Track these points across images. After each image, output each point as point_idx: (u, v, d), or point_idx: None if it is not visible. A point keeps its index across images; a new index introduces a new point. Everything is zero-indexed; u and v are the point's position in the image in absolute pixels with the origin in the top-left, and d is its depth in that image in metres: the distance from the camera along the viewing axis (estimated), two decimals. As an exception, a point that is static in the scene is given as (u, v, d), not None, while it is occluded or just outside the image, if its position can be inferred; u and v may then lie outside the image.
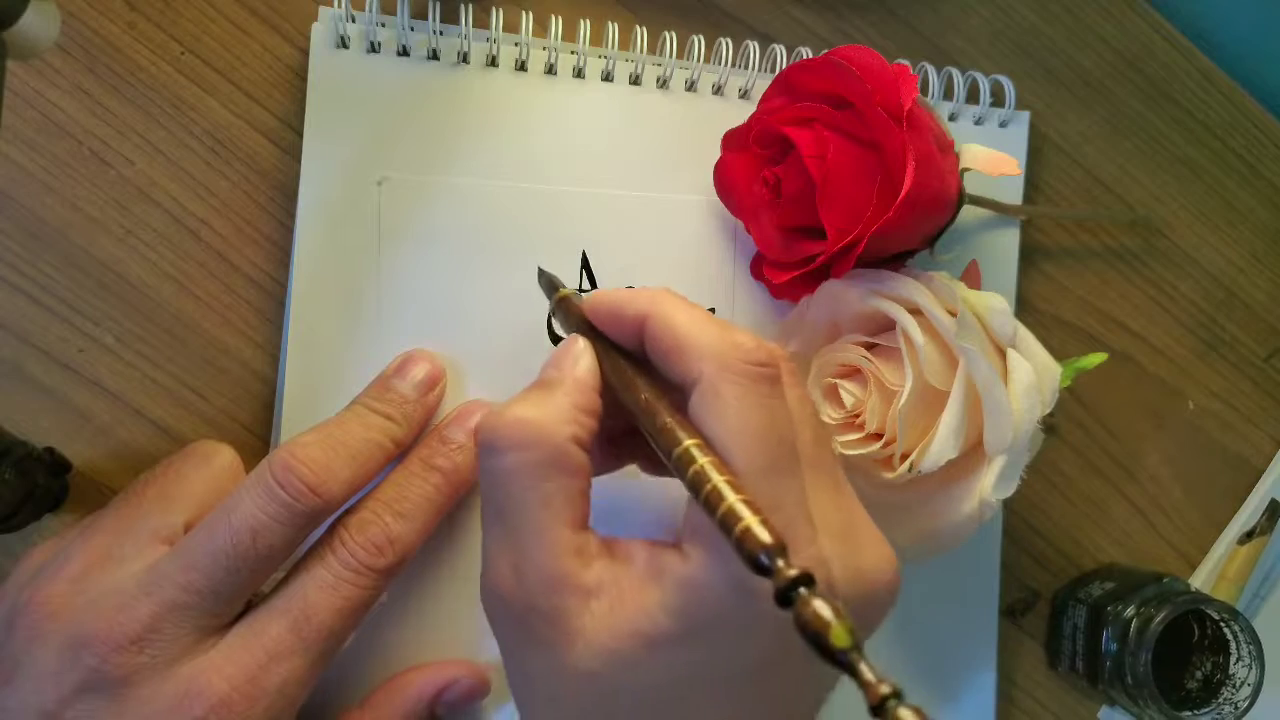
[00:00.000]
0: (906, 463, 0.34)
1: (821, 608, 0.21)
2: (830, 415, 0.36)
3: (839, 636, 0.20)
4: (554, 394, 0.28)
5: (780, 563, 0.22)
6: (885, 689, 0.20)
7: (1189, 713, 0.39)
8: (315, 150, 0.36)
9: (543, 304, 0.37)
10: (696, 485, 0.25)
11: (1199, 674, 0.42)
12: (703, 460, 0.25)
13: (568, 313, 0.32)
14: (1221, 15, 0.47)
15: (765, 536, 0.22)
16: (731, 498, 0.23)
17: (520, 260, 0.37)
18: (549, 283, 0.35)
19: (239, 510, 0.29)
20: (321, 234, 0.36)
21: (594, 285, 0.38)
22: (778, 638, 0.26)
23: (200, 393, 0.36)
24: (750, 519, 0.23)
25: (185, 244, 0.36)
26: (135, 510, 0.32)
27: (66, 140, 0.35)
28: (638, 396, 0.28)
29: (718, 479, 0.24)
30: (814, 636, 0.21)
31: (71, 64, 0.36)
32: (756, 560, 0.22)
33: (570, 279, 0.38)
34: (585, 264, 0.38)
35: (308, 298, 0.36)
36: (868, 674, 0.20)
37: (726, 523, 0.23)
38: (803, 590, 0.21)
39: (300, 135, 0.36)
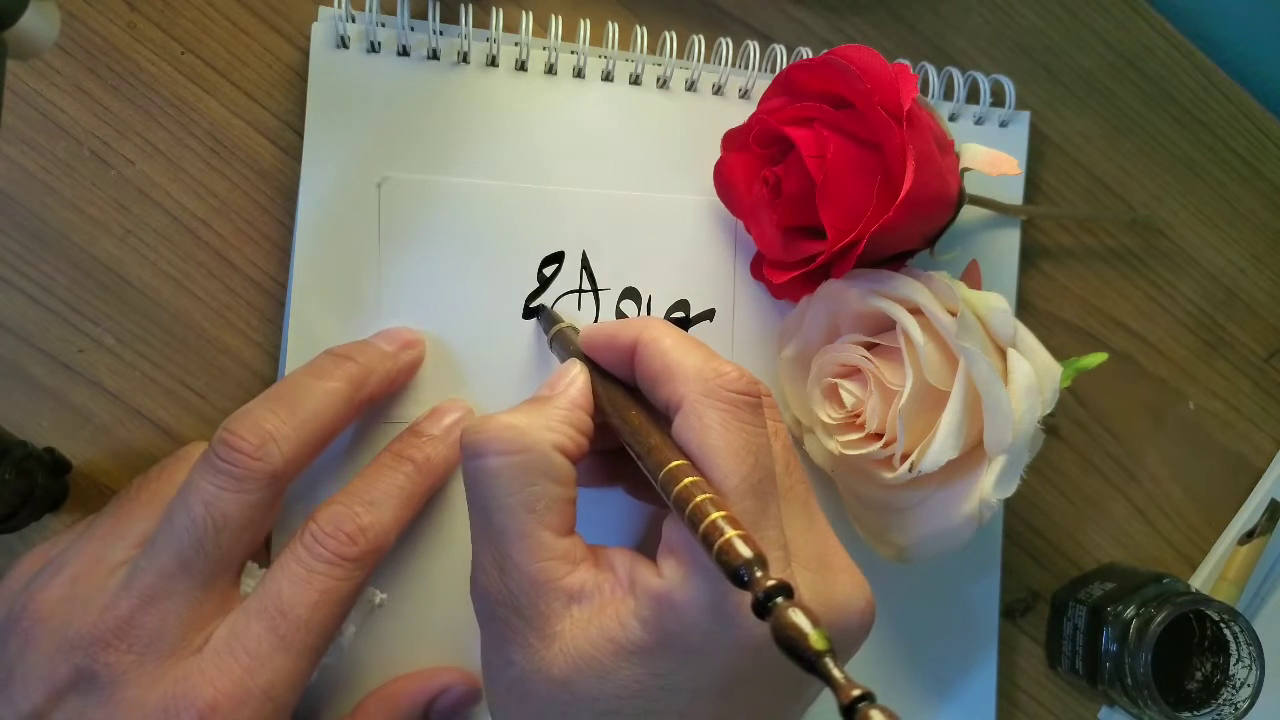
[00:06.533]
0: (907, 463, 0.34)
1: (798, 615, 0.21)
2: (830, 415, 0.36)
3: (816, 640, 0.21)
4: (543, 407, 0.30)
5: (759, 574, 0.22)
6: (857, 691, 0.20)
7: (1189, 713, 0.39)
8: (315, 150, 0.36)
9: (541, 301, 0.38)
10: (681, 502, 0.25)
11: (1199, 675, 0.42)
12: (687, 479, 0.26)
13: (565, 344, 0.34)
14: (1222, 14, 0.47)
15: (745, 551, 0.23)
16: (714, 514, 0.24)
17: (520, 260, 0.37)
18: (548, 317, 0.36)
19: (191, 489, 0.30)
20: (321, 234, 0.36)
21: (594, 285, 0.38)
22: (746, 655, 0.26)
23: (200, 393, 0.36)
24: (732, 534, 0.23)
25: (185, 244, 0.36)
26: (128, 514, 0.32)
27: (67, 140, 0.35)
28: (628, 417, 0.29)
29: (701, 496, 0.25)
30: (790, 642, 0.21)
31: (72, 64, 0.36)
32: (736, 573, 0.23)
33: (571, 279, 0.38)
34: (585, 264, 0.38)
35: (308, 298, 0.36)
36: (840, 676, 0.20)
37: (709, 537, 0.24)
38: (780, 599, 0.22)
39: (300, 135, 0.36)
